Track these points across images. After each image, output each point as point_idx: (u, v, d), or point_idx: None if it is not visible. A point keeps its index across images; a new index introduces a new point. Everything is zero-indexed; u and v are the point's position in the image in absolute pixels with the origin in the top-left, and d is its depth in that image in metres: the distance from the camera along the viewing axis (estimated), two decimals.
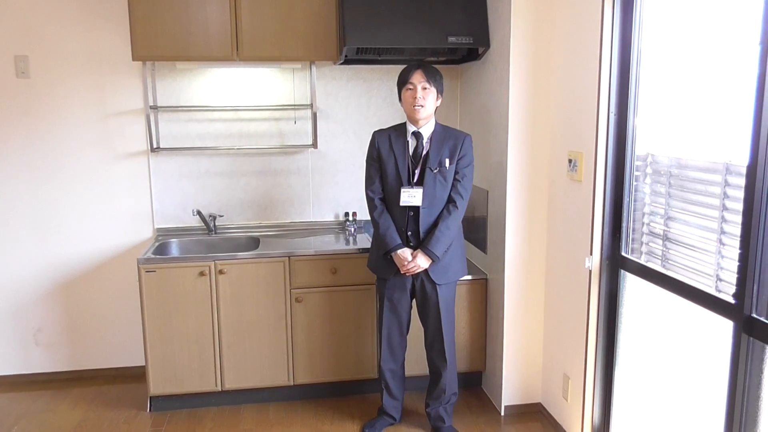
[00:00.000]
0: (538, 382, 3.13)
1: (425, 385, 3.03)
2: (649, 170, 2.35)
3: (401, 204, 2.69)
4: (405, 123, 2.76)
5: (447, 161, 2.68)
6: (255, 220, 3.59)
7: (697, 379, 2.12)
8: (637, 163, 2.41)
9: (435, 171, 2.68)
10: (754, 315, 1.78)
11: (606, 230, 2.52)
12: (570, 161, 2.71)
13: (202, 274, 3.02)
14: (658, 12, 2.27)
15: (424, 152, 2.71)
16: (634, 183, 2.43)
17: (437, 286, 2.74)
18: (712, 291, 1.97)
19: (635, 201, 2.43)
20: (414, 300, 2.88)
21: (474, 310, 3.25)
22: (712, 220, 2.00)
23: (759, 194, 1.73)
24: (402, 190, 2.69)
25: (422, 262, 2.68)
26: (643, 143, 2.38)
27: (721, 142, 1.97)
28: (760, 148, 1.72)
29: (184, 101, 3.42)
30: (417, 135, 2.72)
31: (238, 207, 3.57)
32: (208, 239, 3.45)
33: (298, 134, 3.55)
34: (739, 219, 1.83)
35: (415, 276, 2.76)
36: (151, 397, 3.16)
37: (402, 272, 2.72)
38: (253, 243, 3.36)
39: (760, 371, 1.78)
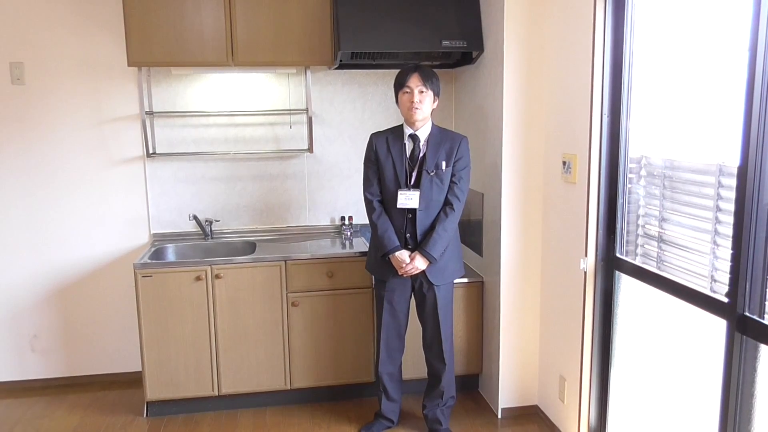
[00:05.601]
0: (534, 384, 3.14)
1: (422, 388, 3.04)
2: (643, 172, 2.38)
3: (398, 206, 2.70)
4: (402, 125, 2.78)
5: (443, 164, 2.70)
6: (251, 224, 3.60)
7: (691, 377, 2.13)
8: (630, 165, 2.43)
9: (432, 174, 2.70)
10: (747, 313, 1.79)
11: (601, 231, 2.54)
12: (564, 163, 2.73)
13: (198, 278, 3.02)
14: (649, 15, 2.30)
15: (421, 155, 2.72)
16: (628, 185, 2.45)
17: (435, 287, 2.76)
18: (706, 291, 1.99)
19: (629, 202, 2.45)
20: (412, 302, 2.89)
21: (470, 313, 3.26)
22: (706, 221, 2.02)
23: (749, 195, 1.76)
24: (399, 192, 2.70)
25: (420, 263, 2.69)
26: (636, 145, 2.40)
27: (714, 143, 1.99)
28: (750, 150, 1.74)
29: (180, 107, 3.43)
30: (414, 137, 2.73)
31: (234, 212, 3.57)
32: (204, 244, 3.45)
33: (293, 139, 3.56)
34: (732, 220, 1.85)
35: (414, 278, 2.77)
36: (147, 403, 3.15)
37: (400, 274, 2.73)
38: (250, 247, 3.37)
39: (754, 369, 1.80)
